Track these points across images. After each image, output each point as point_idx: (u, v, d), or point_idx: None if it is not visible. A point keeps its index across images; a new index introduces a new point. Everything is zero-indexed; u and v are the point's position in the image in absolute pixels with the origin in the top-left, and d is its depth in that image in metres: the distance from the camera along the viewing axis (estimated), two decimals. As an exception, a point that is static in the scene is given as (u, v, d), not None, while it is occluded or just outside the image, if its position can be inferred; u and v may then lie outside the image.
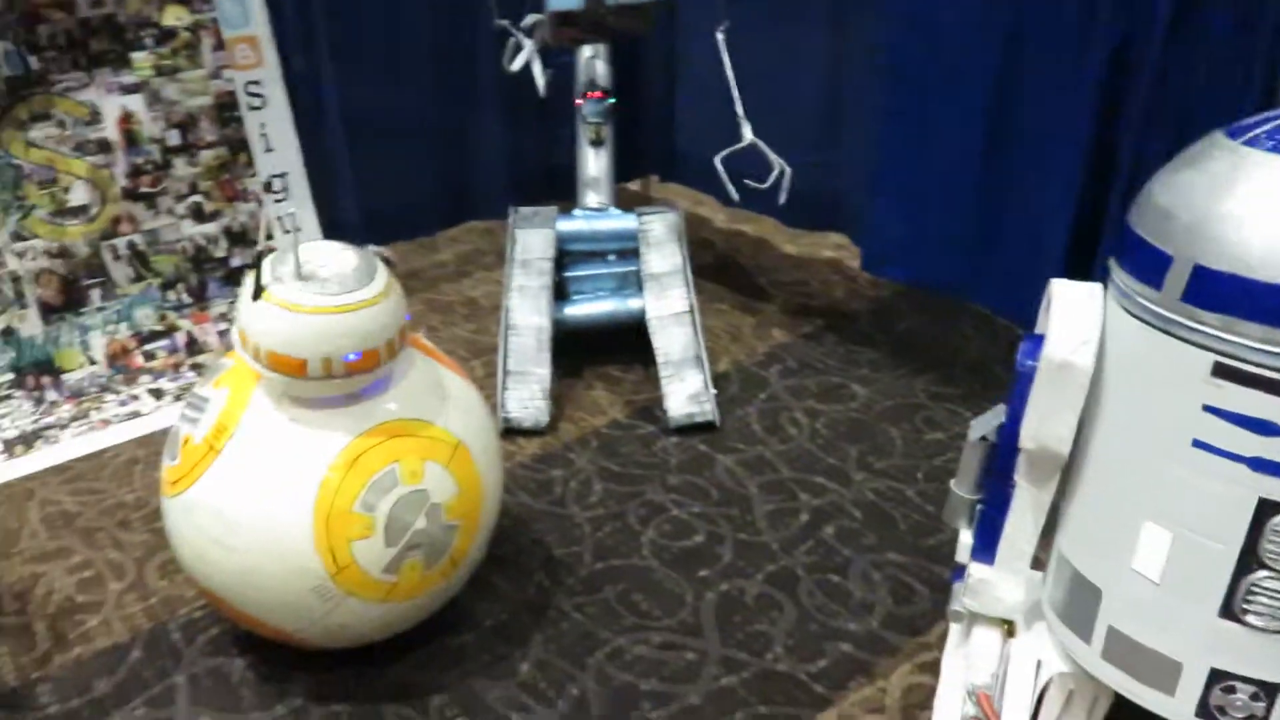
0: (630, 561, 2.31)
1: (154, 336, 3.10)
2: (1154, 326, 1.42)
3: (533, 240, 2.98)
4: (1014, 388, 1.61)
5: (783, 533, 2.39)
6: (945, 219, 3.07)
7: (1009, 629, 1.82)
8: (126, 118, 2.94)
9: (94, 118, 2.90)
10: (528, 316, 2.88)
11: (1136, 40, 2.56)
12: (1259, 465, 1.35)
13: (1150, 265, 1.43)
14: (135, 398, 2.98)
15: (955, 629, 1.90)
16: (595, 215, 3.06)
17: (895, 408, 2.85)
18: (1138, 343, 1.46)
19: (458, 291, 3.58)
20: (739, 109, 2.82)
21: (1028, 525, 1.71)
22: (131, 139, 2.96)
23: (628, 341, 3.04)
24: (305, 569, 1.76)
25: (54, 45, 2.79)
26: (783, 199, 2.85)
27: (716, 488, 2.55)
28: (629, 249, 3.03)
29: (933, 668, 1.98)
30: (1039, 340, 1.57)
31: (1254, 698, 1.46)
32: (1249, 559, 1.40)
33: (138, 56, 2.93)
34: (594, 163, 3.09)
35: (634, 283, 3.02)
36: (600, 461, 2.65)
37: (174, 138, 3.04)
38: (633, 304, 2.99)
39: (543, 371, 2.82)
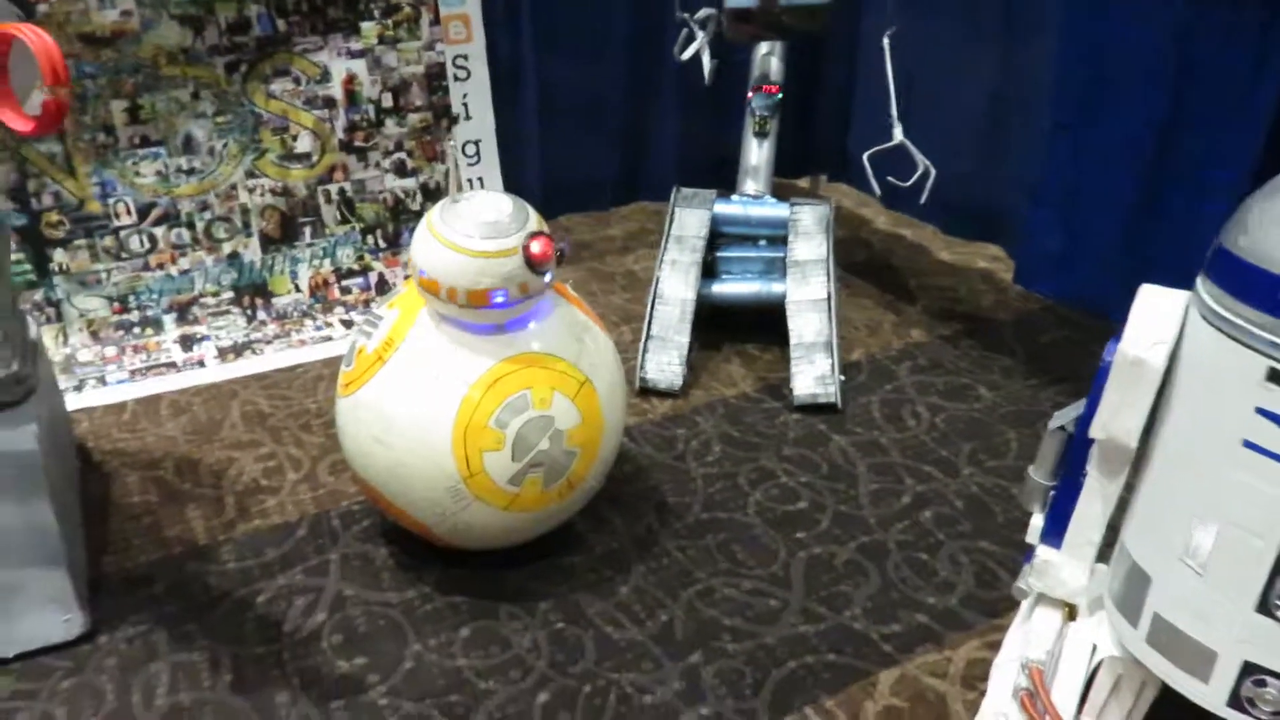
0: (734, 516, 2.51)
1: (351, 274, 3.52)
2: (1223, 332, 1.51)
3: (689, 219, 3.21)
4: (1094, 380, 1.72)
5: (882, 510, 2.53)
6: (1101, 239, 3.10)
7: (1070, 612, 1.92)
8: (350, 79, 3.36)
9: (324, 77, 3.33)
10: (675, 288, 3.11)
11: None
12: (1303, 468, 1.43)
13: (1238, 278, 1.52)
14: (329, 324, 3.40)
15: (1021, 608, 2.01)
16: (751, 202, 3.26)
17: (1017, 412, 2.92)
18: (1207, 346, 1.55)
19: (621, 264, 3.85)
20: (893, 110, 2.95)
21: (1095, 513, 1.81)
22: (352, 98, 3.38)
23: (769, 324, 3.22)
24: (443, 470, 2.05)
25: (298, 11, 3.23)
26: (924, 199, 2.97)
27: (827, 463, 2.71)
28: (779, 236, 3.21)
29: (1000, 647, 2.09)
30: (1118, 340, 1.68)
31: (1284, 694, 1.53)
32: (1287, 558, 1.47)
33: (366, 26, 3.34)
34: (756, 153, 3.28)
35: (780, 268, 3.20)
36: (723, 427, 2.86)
37: (387, 100, 3.44)
38: (776, 288, 3.18)
39: (682, 340, 3.05)
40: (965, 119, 3.47)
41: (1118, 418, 1.69)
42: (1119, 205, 3.02)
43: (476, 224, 2.02)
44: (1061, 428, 1.82)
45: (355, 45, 3.35)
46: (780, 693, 2.01)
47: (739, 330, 3.30)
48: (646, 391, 2.99)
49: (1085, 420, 1.75)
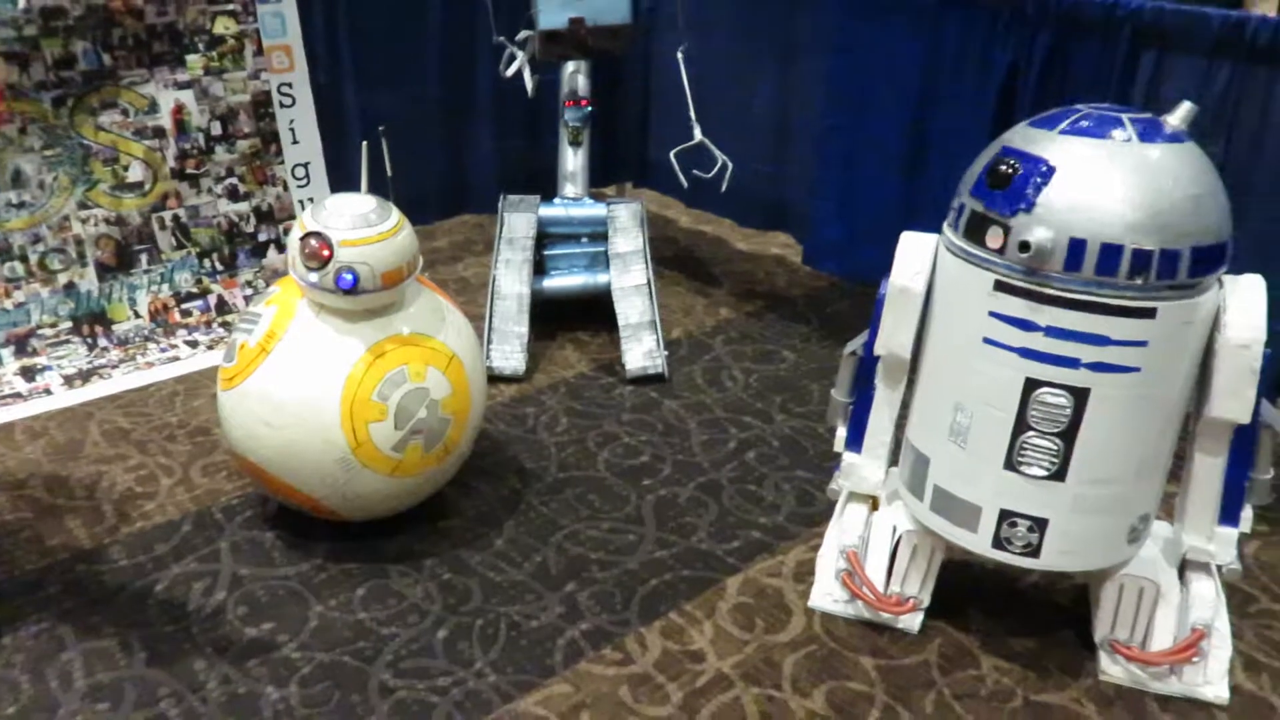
0: (587, 473, 2.84)
1: (190, 297, 3.63)
2: (961, 258, 1.98)
3: (518, 222, 3.53)
4: (874, 311, 2.16)
5: (713, 455, 2.93)
6: (873, 221, 3.63)
7: (874, 504, 2.36)
8: (179, 109, 3.50)
9: (152, 108, 3.45)
10: (511, 284, 3.43)
11: (1021, 70, 3.14)
12: (1025, 353, 1.90)
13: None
14: (174, 346, 3.50)
15: (836, 510, 2.44)
16: (572, 204, 3.62)
17: (817, 369, 3.40)
18: (952, 271, 2.01)
19: (452, 272, 4.12)
20: (692, 113, 3.38)
21: (885, 418, 2.26)
22: (182, 127, 3.51)
23: (595, 312, 3.59)
24: (332, 443, 2.28)
25: (124, 45, 3.35)
26: (724, 188, 3.41)
27: (662, 423, 3.08)
28: (599, 233, 3.58)
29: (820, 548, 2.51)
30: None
31: (1030, 529, 2.01)
32: (1021, 424, 1.95)
33: (191, 58, 3.49)
34: (572, 160, 3.65)
35: (602, 261, 3.57)
36: (567, 403, 3.19)
37: (216, 128, 3.59)
38: (601, 279, 3.54)
39: (522, 330, 3.36)
40: (753, 123, 3.95)
41: (894, 336, 2.14)
42: (884, 192, 3.56)
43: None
44: (853, 353, 2.27)
45: (182, 76, 3.49)
46: (647, 604, 2.36)
47: (570, 319, 3.64)
48: (494, 379, 3.28)
49: (870, 343, 2.20)
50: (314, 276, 2.28)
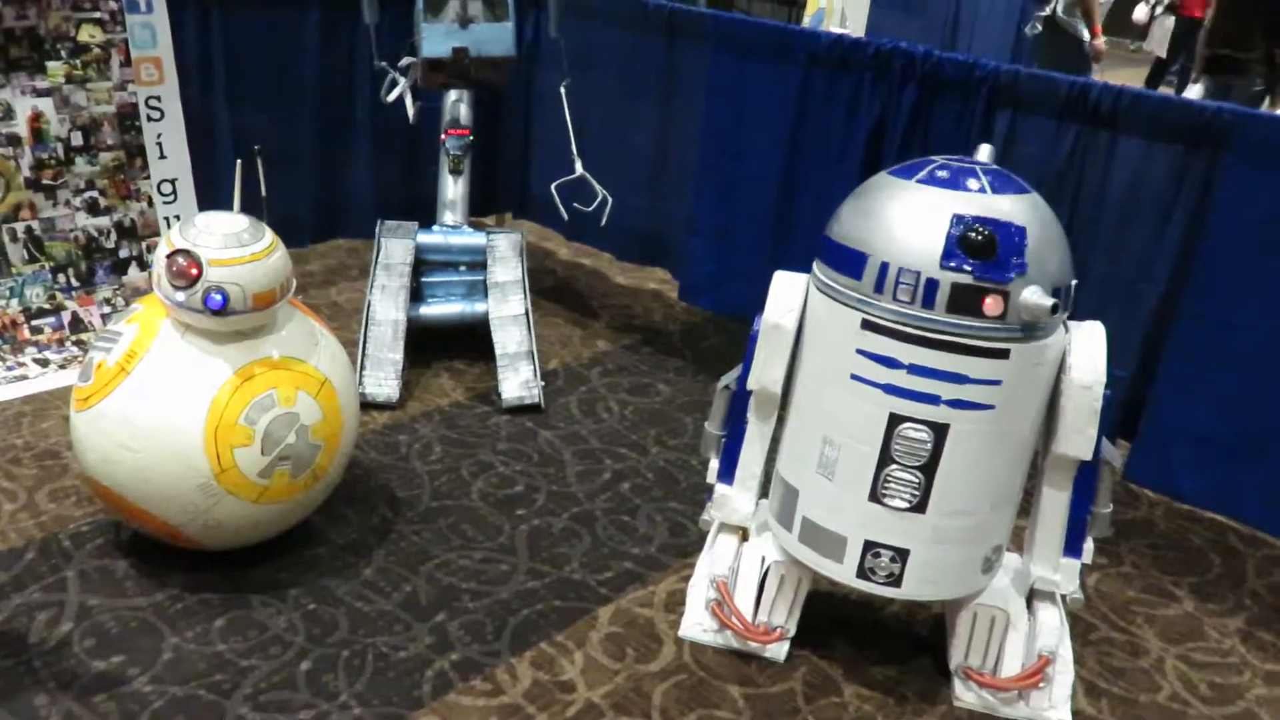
0: (460, 502, 2.81)
1: (42, 314, 3.45)
2: (831, 297, 2.06)
3: (395, 247, 3.49)
4: (747, 347, 2.22)
5: (588, 486, 2.94)
6: (745, 259, 3.73)
7: (744, 535, 2.41)
8: (36, 117, 3.34)
9: (7, 114, 3.28)
10: (386, 310, 3.38)
11: (888, 121, 3.29)
12: (889, 389, 1.99)
13: (848, 262, 2.06)
14: (21, 364, 3.32)
15: (708, 540, 2.48)
16: (451, 231, 3.60)
17: (691, 402, 3.46)
18: (822, 310, 2.09)
19: (324, 296, 4.03)
20: (573, 147, 3.42)
21: (756, 451, 2.32)
22: (39, 136, 3.35)
23: (472, 341, 3.57)
24: (194, 468, 2.20)
25: (-22, 48, 3.19)
26: (603, 221, 3.45)
27: (537, 453, 3.08)
28: (478, 262, 3.57)
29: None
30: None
31: (893, 559, 2.09)
32: (885, 457, 2.03)
33: (52, 65, 3.34)
34: (452, 188, 3.63)
35: (480, 290, 3.56)
36: (441, 431, 3.16)
37: (78, 139, 3.44)
38: (479, 308, 3.53)
39: (396, 357, 3.31)
40: (632, 160, 4.01)
41: (765, 371, 2.20)
42: (758, 231, 3.66)
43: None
44: (727, 386, 2.32)
45: (41, 84, 3.34)
46: (518, 634, 2.34)
47: (446, 348, 3.61)
48: (366, 405, 3.22)
49: (743, 378, 2.26)
50: (181, 296, 2.20)
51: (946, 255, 1.92)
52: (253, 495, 2.28)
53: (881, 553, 2.09)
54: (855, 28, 7.95)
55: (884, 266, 1.97)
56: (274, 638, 2.26)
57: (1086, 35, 5.96)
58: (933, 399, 1.97)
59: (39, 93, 3.34)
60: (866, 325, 1.99)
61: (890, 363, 1.98)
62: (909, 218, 1.99)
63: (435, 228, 3.62)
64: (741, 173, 3.69)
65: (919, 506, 2.04)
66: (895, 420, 2.00)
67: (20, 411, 3.06)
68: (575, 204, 3.47)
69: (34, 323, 3.43)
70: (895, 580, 2.10)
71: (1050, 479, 2.13)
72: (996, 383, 1.96)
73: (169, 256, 2.21)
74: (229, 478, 2.23)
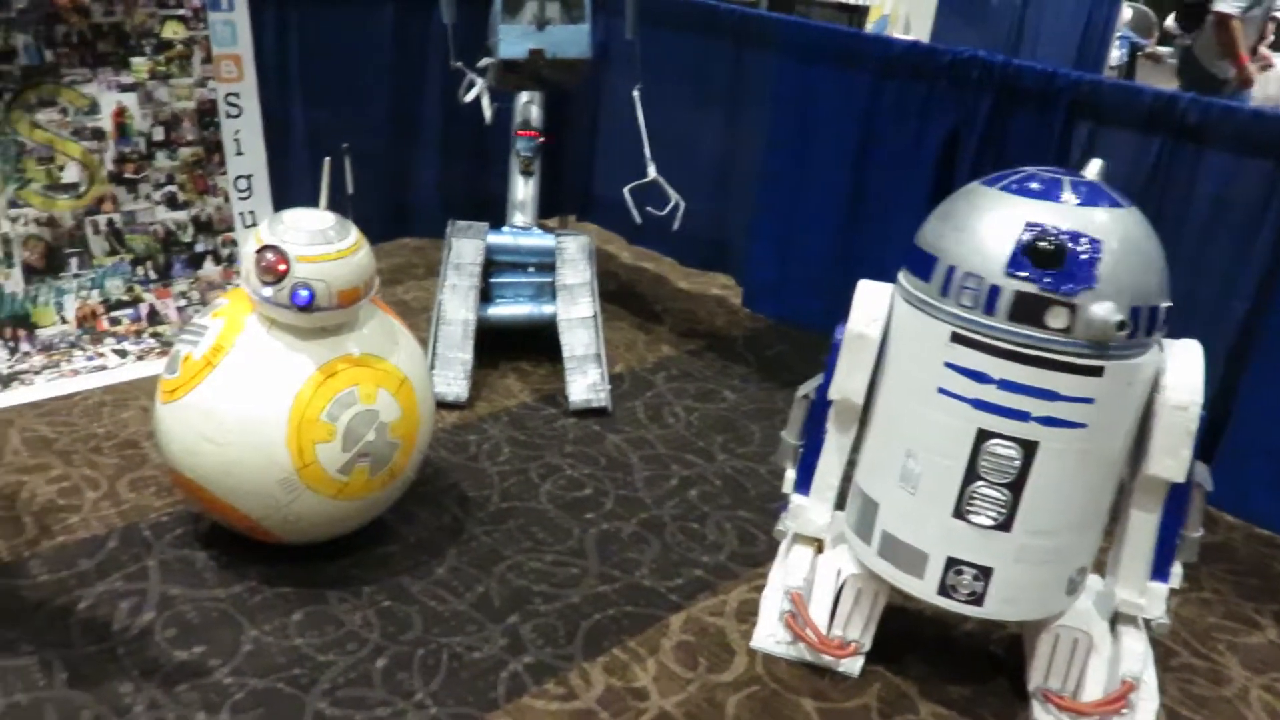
0: (529, 504, 2.82)
1: (120, 305, 3.52)
2: (918, 308, 2.04)
3: (465, 248, 3.51)
4: (829, 356, 2.20)
5: (655, 492, 2.93)
6: (810, 267, 3.70)
7: (819, 546, 2.39)
8: (120, 112, 3.40)
9: (93, 109, 3.35)
10: (456, 310, 3.40)
11: (962, 131, 3.25)
12: (978, 405, 1.96)
13: (922, 266, 2.04)
14: (101, 355, 3.38)
15: (780, 549, 2.46)
16: (520, 233, 3.62)
17: (757, 410, 3.44)
18: (909, 321, 2.07)
19: (391, 295, 4.07)
20: (646, 151, 3.42)
21: (834, 462, 2.29)
22: (123, 130, 3.42)
23: (539, 343, 3.58)
24: (276, 462, 2.23)
25: (67, 43, 3.25)
26: (676, 226, 3.45)
27: (605, 457, 3.08)
28: (546, 263, 3.58)
29: (764, 588, 2.53)
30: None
31: (975, 578, 2.06)
32: (971, 473, 2.00)
33: (137, 61, 3.40)
34: (522, 189, 3.65)
35: (549, 292, 3.57)
36: (509, 432, 3.17)
37: (159, 134, 3.50)
38: (546, 309, 3.54)
39: (466, 357, 3.33)
40: (696, 165, 4.00)
41: (848, 381, 2.18)
42: (822, 239, 3.64)
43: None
44: (806, 396, 2.30)
45: (126, 79, 3.40)
46: (590, 639, 2.34)
47: (513, 349, 3.63)
48: (436, 404, 3.23)
49: (823, 387, 2.24)
50: (268, 291, 2.23)
51: (1012, 262, 1.89)
52: (332, 491, 2.30)
53: (964, 570, 2.06)
54: (919, 36, 7.87)
55: (950, 270, 1.95)
56: (350, 634, 2.28)
57: (1231, 73, 5.73)
58: (1022, 415, 1.94)
59: (124, 88, 3.40)
60: (956, 338, 1.96)
61: (980, 377, 1.95)
62: (985, 224, 1.96)
63: (505, 229, 3.63)
64: (807, 180, 3.66)
65: (1004, 525, 2.01)
66: (983, 436, 1.97)
67: (100, 401, 3.12)
68: (648, 208, 3.46)
69: (113, 314, 3.50)
70: (977, 599, 2.07)
71: (1139, 500, 2.08)
72: (1089, 401, 1.92)
73: (258, 252, 2.23)
74: (309, 473, 2.26)
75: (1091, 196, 1.96)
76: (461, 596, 2.43)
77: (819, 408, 2.27)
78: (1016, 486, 1.98)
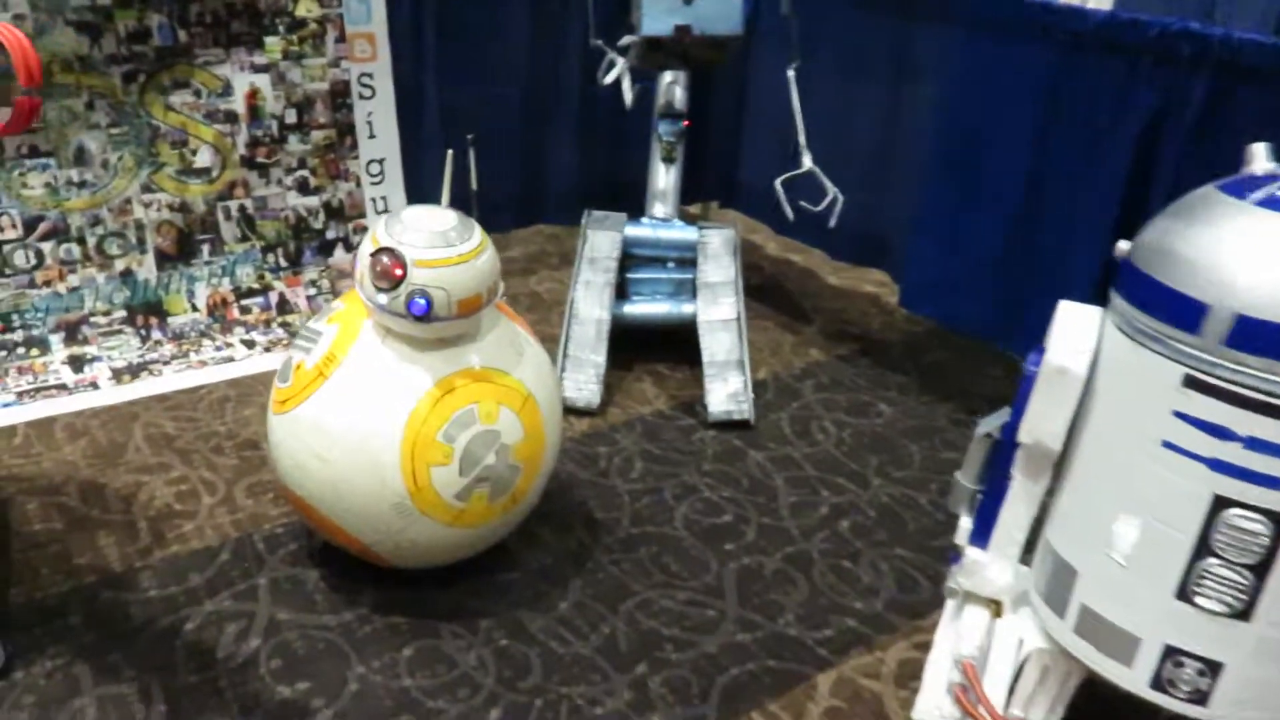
0: (663, 530, 2.57)
1: (251, 293, 3.42)
2: (1140, 343, 1.67)
3: (601, 241, 3.27)
4: (1019, 390, 1.86)
5: (803, 521, 2.64)
6: (980, 266, 3.32)
7: (996, 609, 2.05)
8: (254, 93, 3.29)
9: (226, 90, 3.24)
10: (590, 309, 3.16)
11: (1171, 113, 2.80)
12: (1216, 466, 1.59)
13: (1144, 290, 1.68)
14: (229, 345, 3.29)
15: (948, 607, 2.14)
16: (660, 225, 3.35)
17: (917, 428, 3.09)
18: (1126, 356, 1.71)
19: (524, 285, 3.87)
20: (802, 138, 3.09)
21: (1021, 514, 1.95)
22: (255, 113, 3.30)
23: (677, 343, 3.32)
24: (389, 486, 2.03)
25: (201, 23, 3.14)
26: (833, 222, 3.12)
27: (746, 477, 2.80)
28: (687, 258, 3.31)
29: (927, 647, 2.20)
30: (1044, 350, 1.83)
31: (1200, 673, 1.69)
32: (1202, 547, 1.63)
33: (270, 40, 3.27)
34: (664, 177, 3.38)
35: (689, 289, 3.30)
36: (643, 444, 2.92)
37: (291, 116, 3.37)
38: (686, 308, 3.27)
39: (599, 359, 3.10)
40: (853, 151, 3.65)
41: (1044, 423, 1.83)
42: (994, 235, 3.24)
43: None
44: (989, 434, 1.96)
45: (259, 59, 3.28)
46: (727, 698, 2.08)
47: (648, 350, 3.37)
48: (565, 410, 3.01)
49: (1011, 426, 1.89)
50: (383, 299, 2.03)
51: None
52: (447, 518, 2.10)
53: (1186, 662, 1.70)
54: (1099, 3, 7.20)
55: (1184, 300, 1.57)
56: (463, 676, 2.07)
57: None
58: (1274, 482, 1.56)
59: (257, 69, 3.28)
60: (1191, 383, 1.60)
61: (1221, 432, 1.58)
62: (1233, 244, 1.58)
63: (644, 220, 3.38)
64: (980, 169, 3.26)
65: (1243, 613, 1.63)
66: (1221, 504, 1.60)
67: (225, 396, 3.02)
68: (802, 202, 3.15)
69: (243, 302, 3.41)
70: (1201, 698, 1.71)
71: None
72: (1364, 468, 1.53)
73: (373, 255, 2.03)
74: (424, 498, 2.06)
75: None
76: (585, 638, 2.20)
77: (1005, 449, 1.93)
78: (1261, 569, 1.60)
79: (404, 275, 2.01)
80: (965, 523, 2.04)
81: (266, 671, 2.05)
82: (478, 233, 2.12)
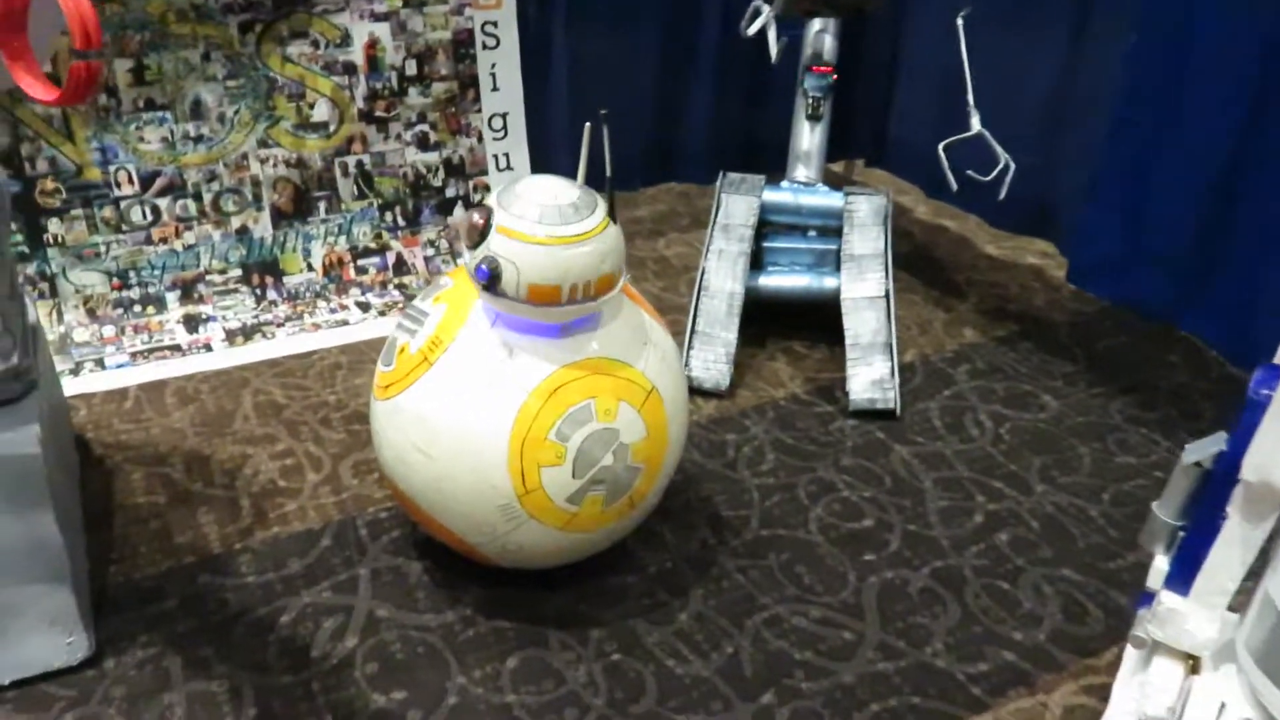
0: (796, 534, 2.32)
1: (367, 253, 3.29)
2: None
3: (737, 206, 3.00)
4: (1242, 416, 1.53)
5: (954, 531, 2.35)
6: (1164, 239, 2.92)
7: (1193, 665, 1.74)
8: (373, 44, 3.12)
9: (344, 40, 3.08)
10: (722, 280, 2.91)
11: None
12: None
13: None
14: (344, 307, 3.17)
15: (1130, 656, 1.83)
16: (802, 189, 3.05)
17: (1087, 425, 2.74)
18: (1397, 385, 1.37)
19: (651, 249, 3.63)
20: (970, 98, 2.74)
21: (1234, 560, 1.63)
22: (374, 65, 3.14)
23: (816, 320, 3.04)
24: (495, 486, 1.84)
25: (319, -32, 2.98)
26: (1003, 194, 2.77)
27: (890, 476, 2.52)
28: (831, 227, 3.01)
29: (1099, 691, 1.92)
30: (1277, 371, 1.49)
31: None
32: None
33: (391, -14, 3.09)
34: (808, 137, 3.07)
35: (831, 261, 3.00)
36: (775, 432, 2.66)
37: (411, 67, 3.20)
38: (828, 282, 2.98)
39: (729, 336, 2.84)
40: (1019, 109, 3.26)
41: (1273, 458, 1.50)
42: (1183, 207, 2.84)
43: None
44: (1199, 464, 1.64)
45: (379, 7, 3.10)
46: (864, 741, 1.83)
47: (783, 326, 3.10)
48: (690, 391, 2.77)
49: (1231, 458, 1.56)
50: (466, 256, 1.86)
51: None
52: (559, 522, 1.90)
53: None
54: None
55: None
56: (571, 695, 1.88)
57: None
58: None
59: (376, 17, 3.11)
60: None
61: None
62: None
63: (784, 184, 3.08)
64: (1174, 131, 2.84)
65: None
66: None
67: (336, 363, 2.90)
68: (969, 171, 2.80)
69: (359, 262, 3.28)
70: None
71: None
72: None
73: (473, 206, 1.83)
74: (533, 500, 1.86)
75: None
76: (706, 657, 1.98)
77: (1219, 483, 1.60)
78: None
79: (484, 236, 1.82)
80: (1160, 562, 1.73)
81: (361, 676, 1.90)
82: (593, 219, 1.87)
